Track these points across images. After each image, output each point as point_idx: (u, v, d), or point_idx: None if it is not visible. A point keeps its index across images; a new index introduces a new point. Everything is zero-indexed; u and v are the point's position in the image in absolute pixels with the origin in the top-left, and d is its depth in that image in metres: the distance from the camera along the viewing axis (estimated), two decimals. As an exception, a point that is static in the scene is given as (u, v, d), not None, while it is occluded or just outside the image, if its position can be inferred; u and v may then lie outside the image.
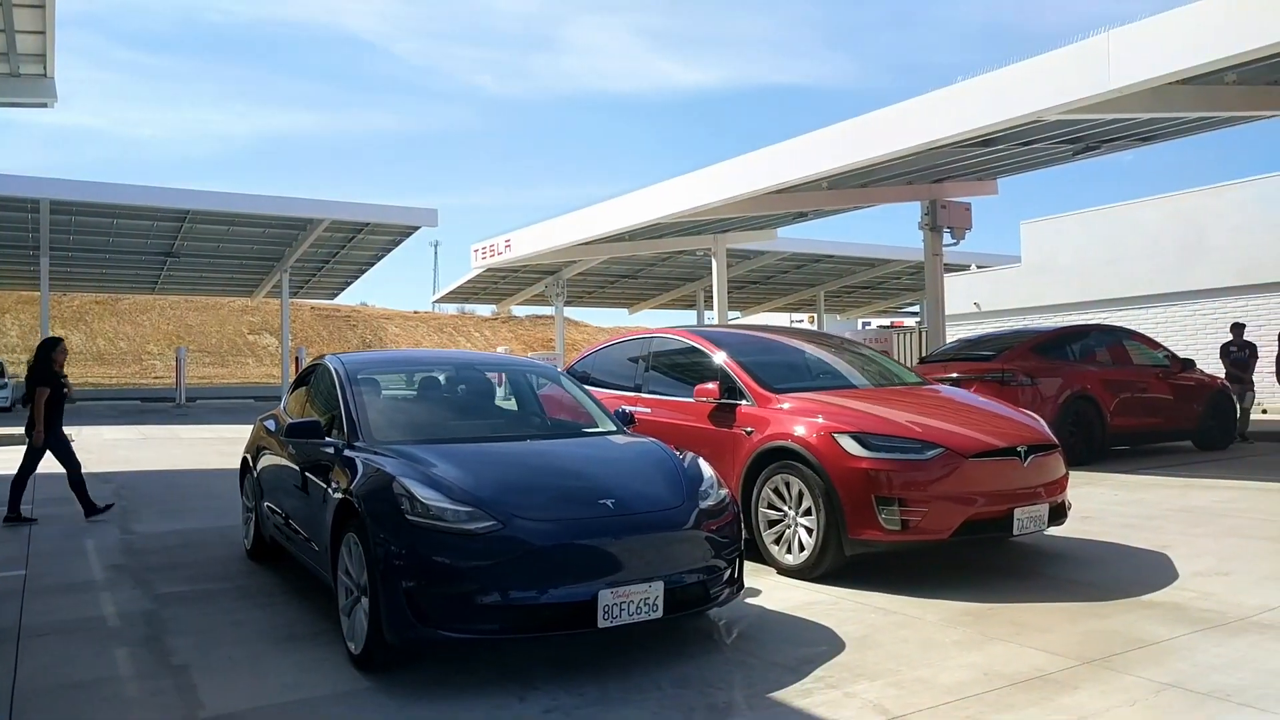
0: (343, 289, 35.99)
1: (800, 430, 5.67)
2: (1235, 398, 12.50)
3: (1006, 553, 6.13)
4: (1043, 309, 22.83)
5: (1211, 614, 4.68)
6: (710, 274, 35.16)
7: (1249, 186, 19.35)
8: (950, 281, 26.73)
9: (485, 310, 56.57)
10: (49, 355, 8.09)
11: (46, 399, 7.97)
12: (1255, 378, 13.30)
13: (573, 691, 3.72)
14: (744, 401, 6.23)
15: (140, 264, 30.19)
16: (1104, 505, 7.87)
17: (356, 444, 4.59)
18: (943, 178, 17.46)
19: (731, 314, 51.39)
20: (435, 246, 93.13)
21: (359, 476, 4.20)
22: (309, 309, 47.78)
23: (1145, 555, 6.04)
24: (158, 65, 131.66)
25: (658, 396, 7.03)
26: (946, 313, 26.43)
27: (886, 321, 42.99)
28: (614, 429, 5.35)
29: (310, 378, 5.97)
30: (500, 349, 26.32)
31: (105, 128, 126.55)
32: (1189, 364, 11.92)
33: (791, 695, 3.69)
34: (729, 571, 4.33)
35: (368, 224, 27.26)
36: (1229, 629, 4.43)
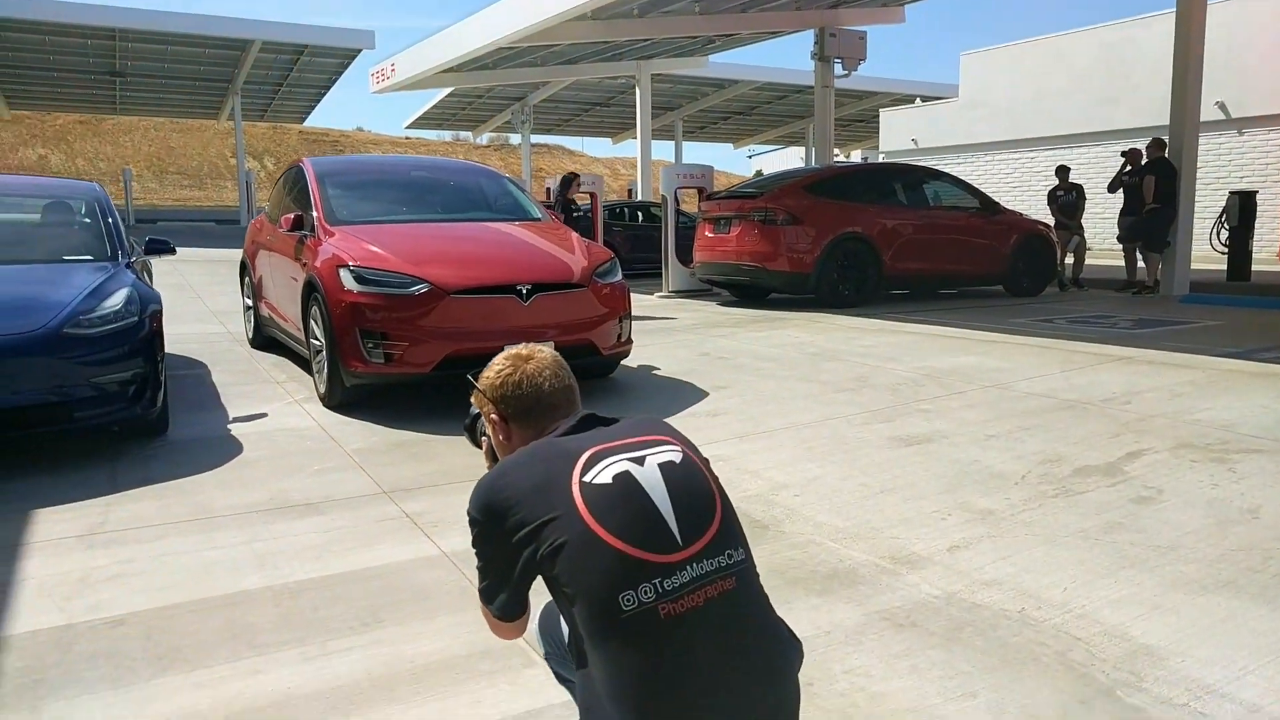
0: (307, 113, 35.61)
1: (320, 264, 5.71)
2: (1060, 243, 12.14)
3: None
4: (976, 147, 21.90)
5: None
6: (697, 101, 34.08)
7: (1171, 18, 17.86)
8: (891, 116, 25.72)
9: (482, 138, 55.48)
10: None
11: None
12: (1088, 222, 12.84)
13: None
14: (311, 233, 6.24)
15: (91, 83, 30.02)
16: (764, 346, 7.79)
17: None
18: (838, 3, 16.44)
19: (723, 146, 50.02)
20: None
21: None
22: (297, 133, 47.41)
23: (691, 391, 6.07)
24: None
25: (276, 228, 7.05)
26: (888, 148, 25.63)
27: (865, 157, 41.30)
28: (109, 259, 5.50)
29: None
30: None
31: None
32: (996, 206, 11.51)
33: (68, 514, 3.92)
34: (133, 389, 4.59)
35: (306, 45, 26.78)
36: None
